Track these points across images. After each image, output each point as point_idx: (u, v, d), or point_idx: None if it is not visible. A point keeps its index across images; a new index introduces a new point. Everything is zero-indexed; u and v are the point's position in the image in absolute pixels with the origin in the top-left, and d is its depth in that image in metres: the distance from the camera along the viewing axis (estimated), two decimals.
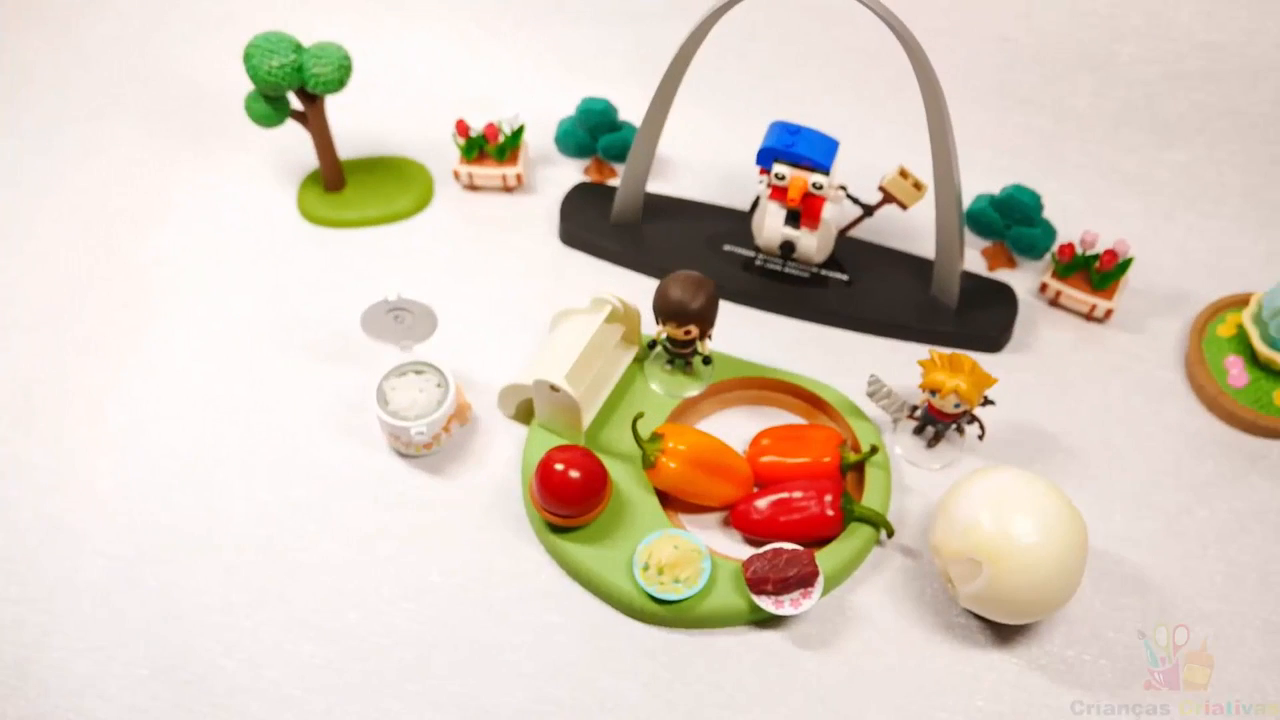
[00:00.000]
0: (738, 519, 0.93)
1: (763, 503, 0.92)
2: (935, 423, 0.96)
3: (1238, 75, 1.22)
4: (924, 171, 1.02)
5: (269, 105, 1.11)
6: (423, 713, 0.85)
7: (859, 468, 0.97)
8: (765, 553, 0.87)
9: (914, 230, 1.15)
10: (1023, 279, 1.13)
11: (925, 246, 1.12)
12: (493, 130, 1.18)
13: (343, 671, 0.87)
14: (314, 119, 1.14)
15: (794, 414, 1.03)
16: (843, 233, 1.10)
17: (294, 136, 1.23)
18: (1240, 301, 1.08)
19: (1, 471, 0.99)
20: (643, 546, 0.89)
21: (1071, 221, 1.14)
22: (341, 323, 1.07)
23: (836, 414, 1.00)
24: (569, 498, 0.89)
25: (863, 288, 1.10)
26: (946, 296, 1.07)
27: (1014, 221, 1.11)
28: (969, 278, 1.09)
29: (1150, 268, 1.12)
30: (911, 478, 0.98)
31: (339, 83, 1.09)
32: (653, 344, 1.01)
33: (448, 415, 0.97)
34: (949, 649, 0.88)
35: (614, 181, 1.22)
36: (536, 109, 1.25)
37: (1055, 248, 1.10)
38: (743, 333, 1.08)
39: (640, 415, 0.92)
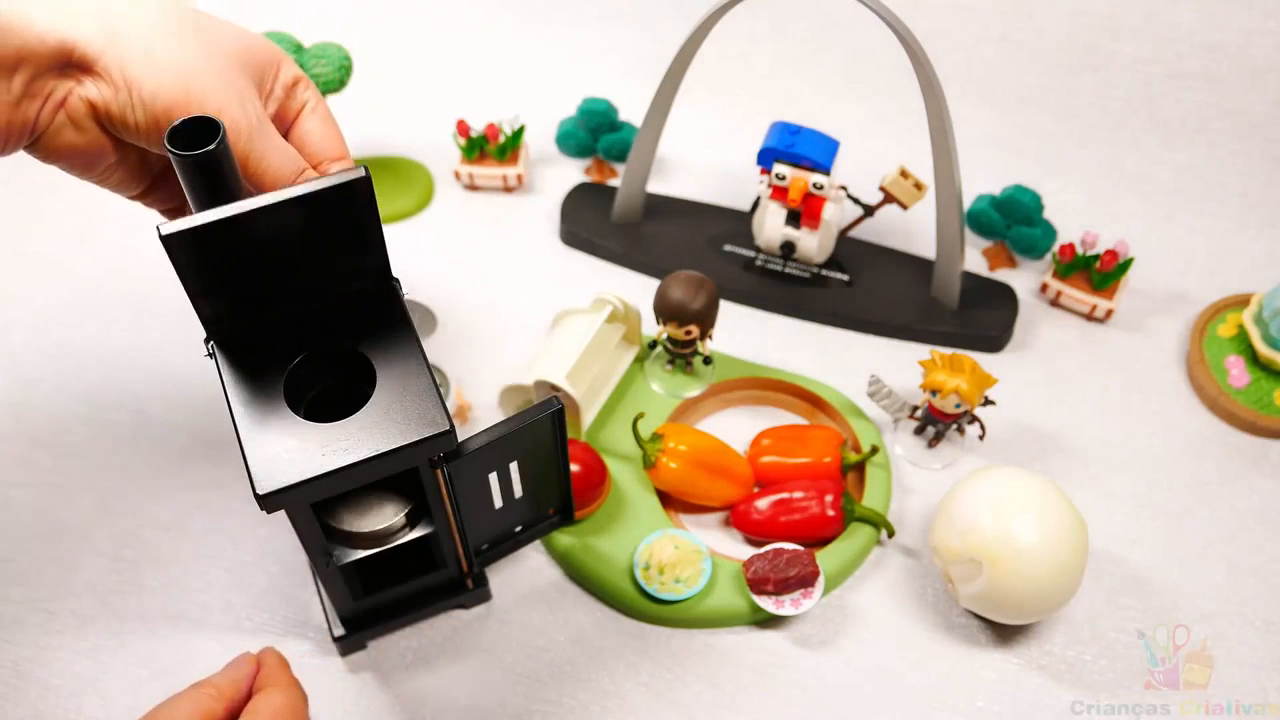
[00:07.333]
0: (738, 519, 0.93)
1: (763, 503, 0.92)
2: (936, 423, 0.96)
3: (1238, 75, 1.22)
4: (924, 171, 1.02)
5: None
6: (421, 714, 0.85)
7: (859, 468, 0.97)
8: (766, 553, 0.87)
9: (914, 230, 1.15)
10: (1023, 279, 1.13)
11: (925, 246, 1.11)
12: (493, 130, 1.18)
13: (341, 668, 0.87)
14: None
15: (794, 414, 1.03)
16: (843, 233, 1.10)
17: None
18: (1241, 301, 1.08)
19: (2, 471, 0.99)
20: (643, 546, 0.89)
21: (1072, 221, 1.14)
22: None
23: (837, 414, 1.00)
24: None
25: (863, 288, 1.10)
26: (947, 297, 1.07)
27: (1014, 221, 1.11)
28: (969, 278, 1.09)
29: (1151, 268, 1.12)
30: (912, 478, 0.98)
31: (339, 83, 1.09)
32: (653, 344, 1.01)
33: None
34: (949, 649, 0.88)
35: (614, 181, 1.22)
36: (537, 109, 1.25)
37: (1056, 248, 1.10)
38: (743, 333, 1.08)
39: (641, 415, 0.92)
